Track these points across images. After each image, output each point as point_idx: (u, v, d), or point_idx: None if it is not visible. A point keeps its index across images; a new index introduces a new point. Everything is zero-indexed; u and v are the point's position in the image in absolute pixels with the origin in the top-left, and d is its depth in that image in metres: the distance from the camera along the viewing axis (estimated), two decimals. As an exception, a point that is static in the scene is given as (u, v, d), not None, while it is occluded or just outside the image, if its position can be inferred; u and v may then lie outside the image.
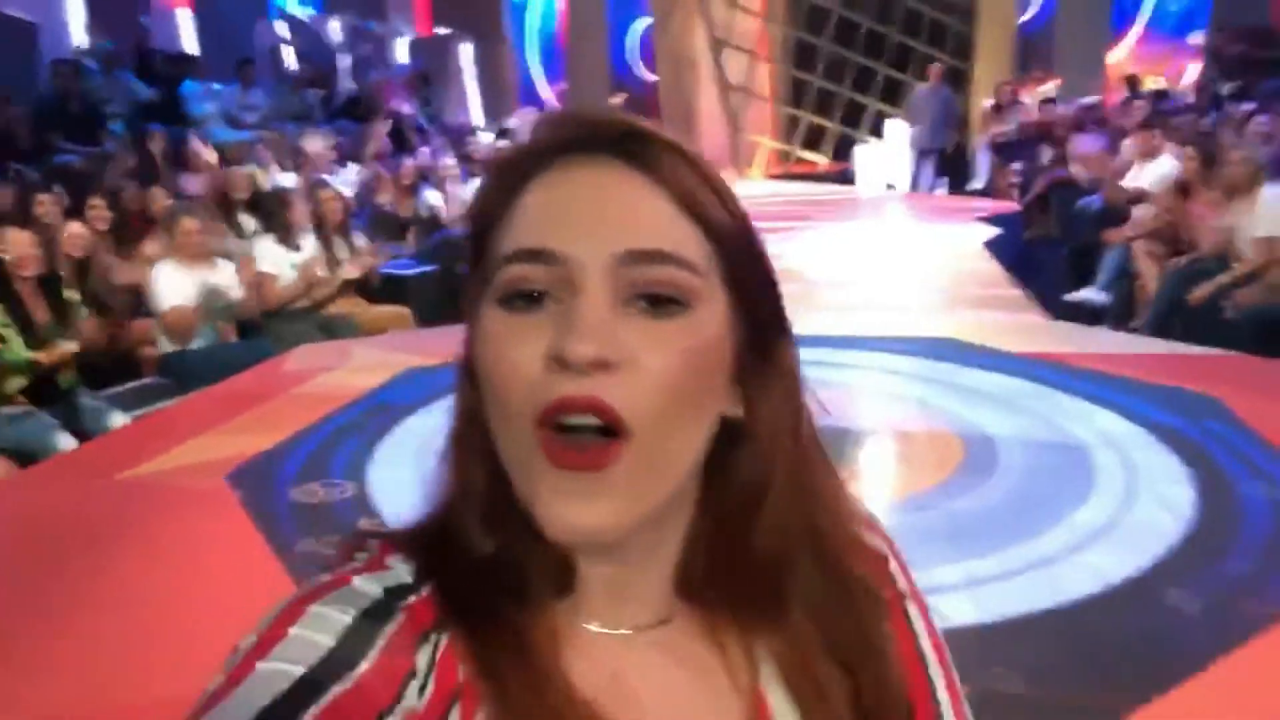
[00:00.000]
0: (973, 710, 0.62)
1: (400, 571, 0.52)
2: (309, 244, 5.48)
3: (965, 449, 3.22)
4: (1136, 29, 11.75)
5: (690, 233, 0.51)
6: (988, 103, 11.00)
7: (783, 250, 7.03)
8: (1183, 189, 5.61)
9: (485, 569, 0.52)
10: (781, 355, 0.55)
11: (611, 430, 0.48)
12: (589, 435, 0.48)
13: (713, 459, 0.54)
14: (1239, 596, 2.23)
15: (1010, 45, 12.33)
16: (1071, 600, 2.25)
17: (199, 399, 4.24)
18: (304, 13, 11.94)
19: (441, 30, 12.39)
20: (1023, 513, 2.74)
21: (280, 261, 5.35)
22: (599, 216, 0.50)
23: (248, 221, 6.22)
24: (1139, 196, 6.17)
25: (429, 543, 0.54)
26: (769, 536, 0.54)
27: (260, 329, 5.29)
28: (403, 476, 3.19)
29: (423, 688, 0.48)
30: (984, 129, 10.79)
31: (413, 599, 0.51)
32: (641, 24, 14.02)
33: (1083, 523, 2.65)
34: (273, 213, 5.68)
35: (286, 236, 5.40)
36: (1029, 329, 5.08)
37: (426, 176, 8.01)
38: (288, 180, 7.37)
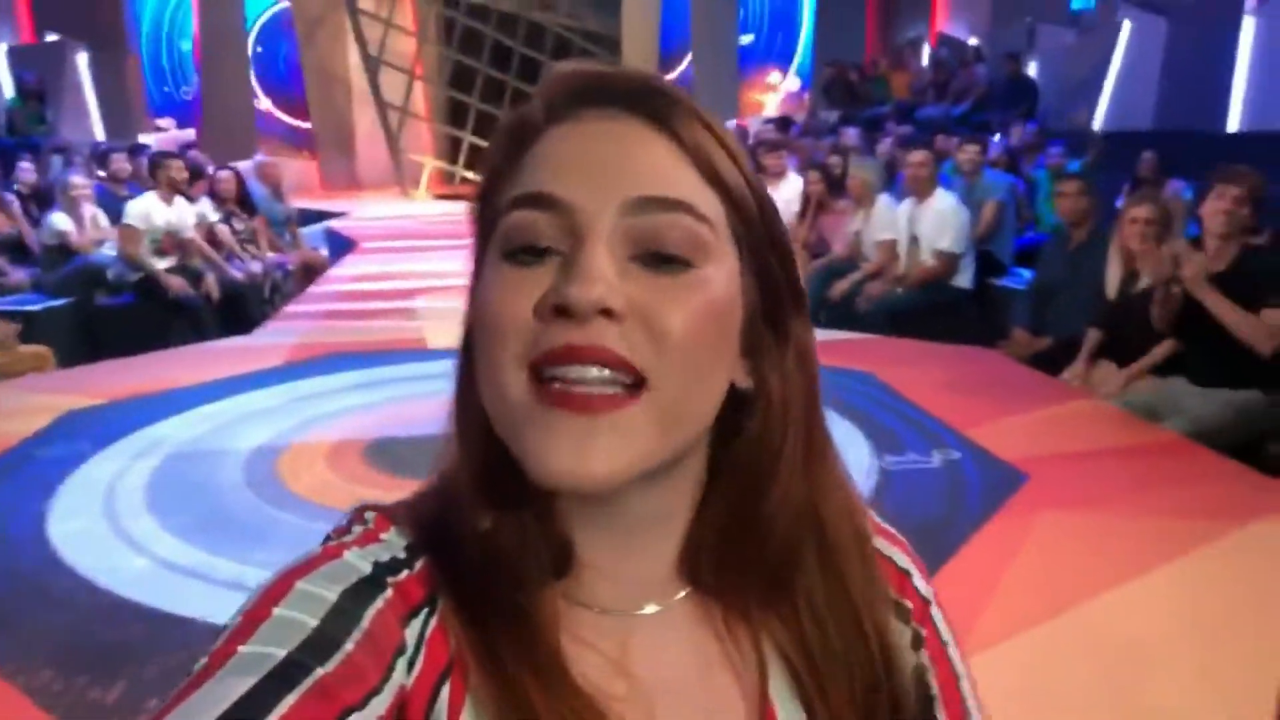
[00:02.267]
0: None
1: (394, 545, 0.51)
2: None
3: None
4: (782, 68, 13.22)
5: (702, 188, 0.49)
6: None
7: (454, 268, 7.03)
8: (817, 203, 6.40)
9: (481, 545, 0.50)
10: (795, 327, 0.54)
11: (625, 381, 0.46)
12: (600, 386, 0.45)
13: (724, 432, 0.52)
14: (928, 533, 2.63)
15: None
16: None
17: None
18: None
19: (51, 37, 10.93)
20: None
21: None
22: (607, 164, 0.48)
23: None
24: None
25: (426, 516, 0.53)
26: (776, 514, 0.53)
27: None
28: (93, 529, 2.81)
29: (412, 663, 0.47)
30: None
31: (404, 574, 0.50)
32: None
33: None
34: None
35: None
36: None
37: (49, 199, 7.05)
38: None
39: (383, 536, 0.51)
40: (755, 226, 0.51)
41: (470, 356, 0.51)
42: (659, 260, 0.47)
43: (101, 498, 3.04)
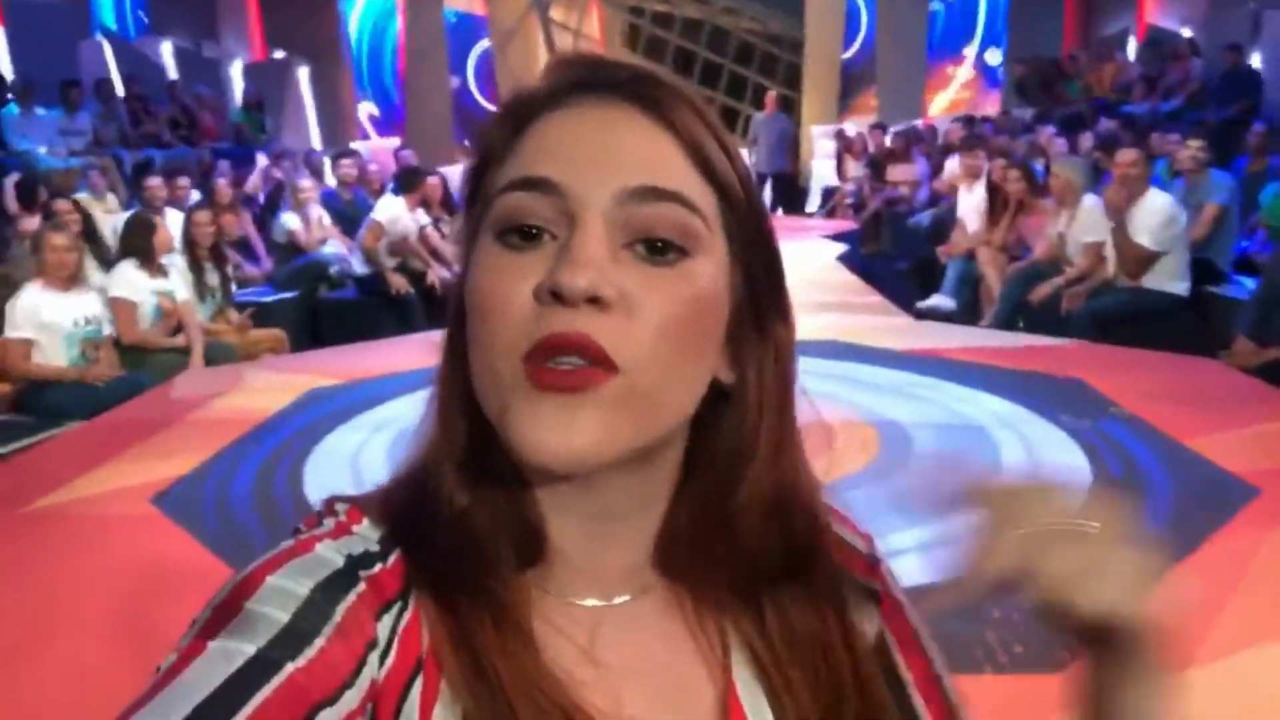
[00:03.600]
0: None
1: (367, 538, 0.51)
2: (174, 271, 5.23)
3: (880, 434, 3.49)
4: (965, 65, 12.86)
5: (696, 180, 0.50)
6: (830, 146, 11.66)
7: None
8: (1018, 203, 6.20)
9: (455, 528, 0.50)
10: (776, 325, 0.54)
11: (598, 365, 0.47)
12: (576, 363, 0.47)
13: (701, 424, 0.53)
14: (1156, 535, 2.55)
15: (835, 75, 13.23)
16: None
17: (85, 431, 3.97)
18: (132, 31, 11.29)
19: (278, 54, 11.99)
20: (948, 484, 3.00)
21: (141, 288, 5.04)
22: (604, 152, 0.49)
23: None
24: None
25: (399, 508, 0.53)
26: (746, 508, 0.54)
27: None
28: (344, 485, 3.12)
29: (384, 657, 0.47)
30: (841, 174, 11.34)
31: (378, 568, 0.49)
32: (480, 48, 14.09)
33: (1004, 486, 2.95)
34: (134, 237, 5.33)
35: (148, 262, 5.10)
36: (899, 329, 5.49)
37: (279, 199, 7.75)
38: (112, 206, 7.04)
39: (355, 529, 0.51)
40: (745, 221, 0.52)
41: (459, 336, 0.51)
42: (652, 248, 0.48)
43: (348, 464, 3.37)
